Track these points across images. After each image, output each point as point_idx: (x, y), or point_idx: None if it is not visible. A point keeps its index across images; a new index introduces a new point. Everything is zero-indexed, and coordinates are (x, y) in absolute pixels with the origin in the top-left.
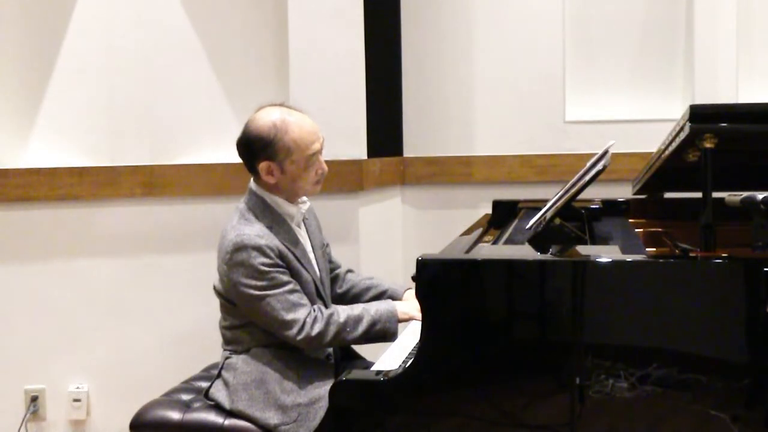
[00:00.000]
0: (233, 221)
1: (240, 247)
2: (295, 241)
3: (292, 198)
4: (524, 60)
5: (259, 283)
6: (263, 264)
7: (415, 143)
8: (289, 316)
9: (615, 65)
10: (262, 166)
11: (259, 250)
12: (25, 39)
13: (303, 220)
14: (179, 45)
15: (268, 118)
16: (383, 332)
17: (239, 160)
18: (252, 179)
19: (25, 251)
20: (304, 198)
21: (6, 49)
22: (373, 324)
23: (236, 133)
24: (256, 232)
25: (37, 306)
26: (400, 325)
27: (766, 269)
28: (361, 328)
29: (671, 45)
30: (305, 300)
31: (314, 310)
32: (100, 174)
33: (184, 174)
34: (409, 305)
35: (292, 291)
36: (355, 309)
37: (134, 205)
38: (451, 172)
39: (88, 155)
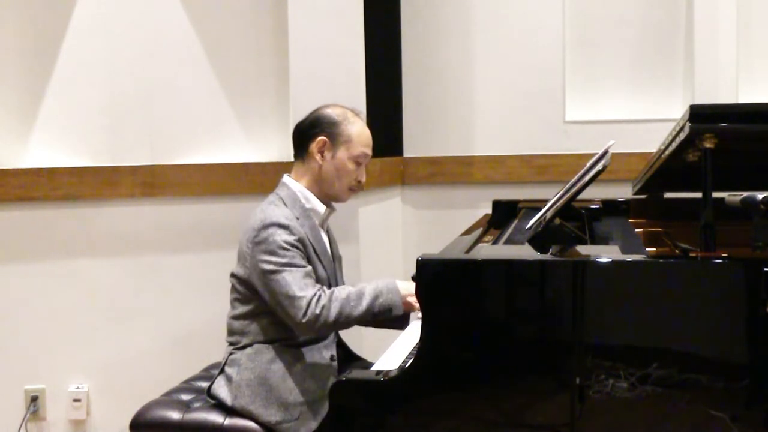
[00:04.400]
0: (262, 205)
1: (267, 225)
2: (318, 238)
3: (323, 197)
4: (524, 60)
5: (279, 260)
6: (286, 242)
7: (415, 143)
8: (300, 293)
9: (615, 65)
10: (319, 140)
11: (285, 228)
12: (25, 39)
13: (327, 229)
14: (179, 45)
15: (341, 108)
16: (388, 305)
17: (239, 160)
18: (286, 175)
19: (25, 251)
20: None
21: (6, 49)
22: (375, 297)
23: (236, 133)
24: (284, 214)
25: (37, 306)
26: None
27: (766, 269)
28: (365, 301)
29: (671, 45)
30: (317, 285)
31: (319, 289)
32: (100, 174)
33: (184, 174)
34: (410, 285)
35: (308, 274)
36: (356, 286)
37: (134, 205)
38: (451, 172)
39: (88, 155)
